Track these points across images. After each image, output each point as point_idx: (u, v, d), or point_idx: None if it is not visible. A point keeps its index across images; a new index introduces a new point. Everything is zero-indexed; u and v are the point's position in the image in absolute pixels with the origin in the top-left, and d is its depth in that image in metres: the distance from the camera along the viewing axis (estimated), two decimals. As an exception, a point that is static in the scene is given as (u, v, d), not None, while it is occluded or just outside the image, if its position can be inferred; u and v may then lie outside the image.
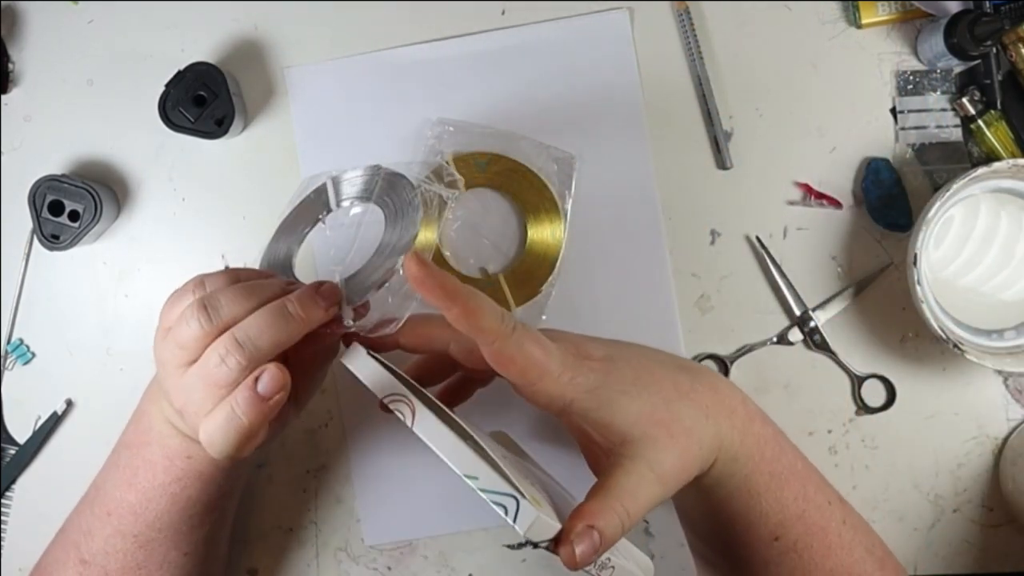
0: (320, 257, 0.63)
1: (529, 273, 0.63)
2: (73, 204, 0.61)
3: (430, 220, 0.49)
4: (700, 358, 0.63)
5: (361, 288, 0.47)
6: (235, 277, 0.46)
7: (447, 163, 0.62)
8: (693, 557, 0.56)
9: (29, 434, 0.64)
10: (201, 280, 0.46)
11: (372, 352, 0.46)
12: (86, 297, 0.65)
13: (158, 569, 0.52)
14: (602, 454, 0.45)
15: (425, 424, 0.41)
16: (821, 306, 0.63)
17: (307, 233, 0.53)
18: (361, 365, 0.45)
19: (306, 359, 0.49)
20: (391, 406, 0.43)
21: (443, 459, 0.40)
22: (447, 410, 0.45)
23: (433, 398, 0.45)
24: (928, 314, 0.56)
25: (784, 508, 0.48)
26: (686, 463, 0.44)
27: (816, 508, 0.49)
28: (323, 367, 0.50)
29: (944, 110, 0.62)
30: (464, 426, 0.44)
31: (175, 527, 0.52)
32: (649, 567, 0.47)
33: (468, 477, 0.39)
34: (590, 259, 0.63)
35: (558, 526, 0.40)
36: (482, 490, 0.39)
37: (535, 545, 0.39)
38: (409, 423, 0.42)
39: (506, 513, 0.38)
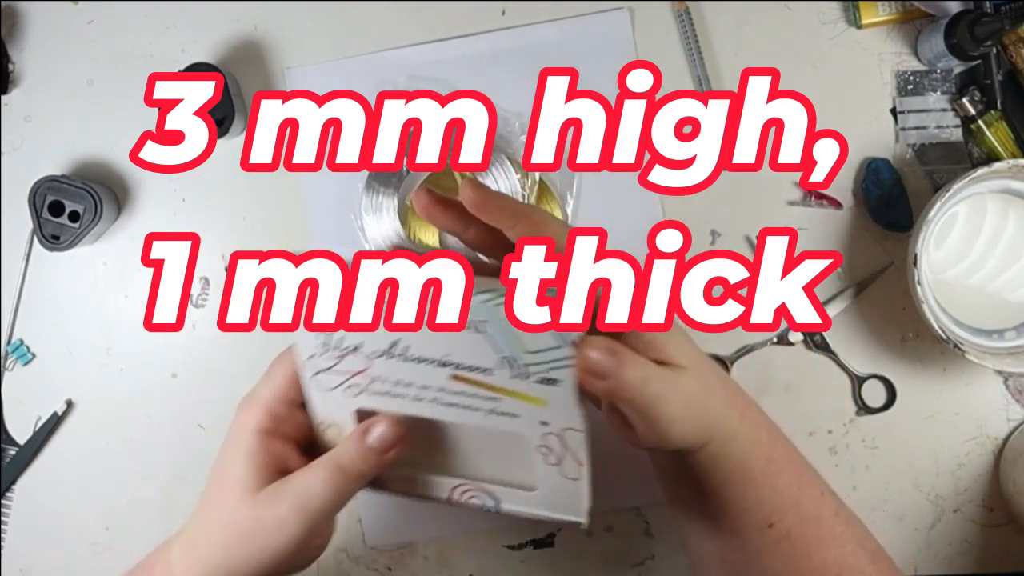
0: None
1: (529, 273, 0.63)
2: (73, 204, 0.61)
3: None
4: (700, 358, 0.63)
5: None
6: None
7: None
8: (685, 551, 0.55)
9: (29, 434, 0.64)
10: None
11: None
12: (86, 297, 0.64)
13: None
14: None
15: None
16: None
17: None
18: None
19: None
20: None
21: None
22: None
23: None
24: (928, 314, 0.56)
25: (779, 495, 0.47)
26: (698, 408, 0.43)
27: (810, 498, 0.48)
28: None
29: (944, 110, 0.62)
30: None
31: None
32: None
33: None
34: (590, 259, 0.63)
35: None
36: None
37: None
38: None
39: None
